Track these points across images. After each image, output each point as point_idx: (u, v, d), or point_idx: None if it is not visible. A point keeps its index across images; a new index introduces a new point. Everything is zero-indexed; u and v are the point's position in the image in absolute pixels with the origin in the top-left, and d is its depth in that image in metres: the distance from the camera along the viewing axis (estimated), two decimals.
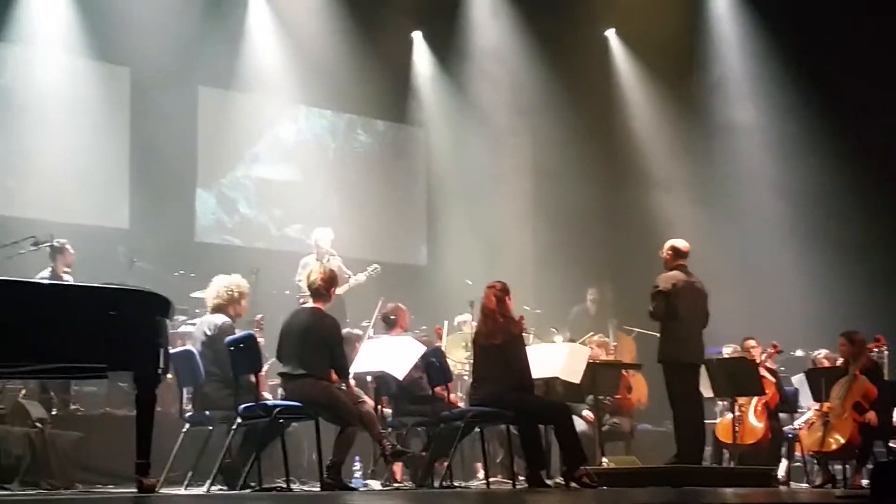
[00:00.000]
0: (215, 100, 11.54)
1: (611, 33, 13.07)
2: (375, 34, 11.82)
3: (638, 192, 12.56)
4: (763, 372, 8.59)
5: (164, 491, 6.15)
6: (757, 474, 7.98)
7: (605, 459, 8.20)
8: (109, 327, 5.33)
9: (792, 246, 11.53)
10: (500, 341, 7.05)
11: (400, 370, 7.41)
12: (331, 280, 7.02)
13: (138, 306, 5.50)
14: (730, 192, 12.17)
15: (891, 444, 8.36)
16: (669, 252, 8.09)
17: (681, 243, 8.13)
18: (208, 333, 6.97)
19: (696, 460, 7.88)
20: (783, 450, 8.84)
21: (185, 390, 7.03)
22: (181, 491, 6.63)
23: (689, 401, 7.91)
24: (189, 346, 7.15)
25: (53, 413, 7.65)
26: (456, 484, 7.42)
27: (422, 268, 12.59)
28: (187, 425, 6.94)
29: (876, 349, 8.56)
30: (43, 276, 8.24)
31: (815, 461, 8.54)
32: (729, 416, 8.53)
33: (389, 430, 7.47)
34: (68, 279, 8.23)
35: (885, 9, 10.81)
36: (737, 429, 8.38)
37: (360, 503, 5.44)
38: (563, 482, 7.02)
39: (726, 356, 9.27)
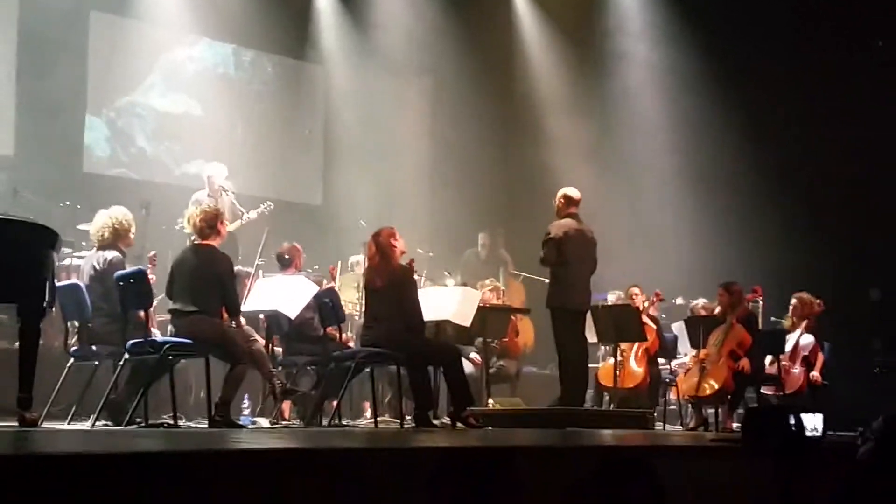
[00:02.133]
0: (108, 26, 11.15)
1: None
2: None
3: (533, 141, 12.70)
4: (645, 319, 8.89)
5: (46, 425, 6.06)
6: (636, 417, 8.28)
7: (491, 401, 8.39)
8: None
9: (677, 199, 11.85)
10: (380, 284, 7.13)
11: (292, 309, 7.42)
12: (212, 217, 6.91)
13: (23, 237, 5.38)
14: (622, 144, 12.41)
15: (762, 391, 8.77)
16: (562, 200, 8.26)
17: (573, 192, 8.31)
18: (98, 268, 6.84)
19: (578, 402, 8.14)
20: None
21: (70, 324, 6.90)
22: (64, 426, 6.54)
23: (574, 346, 8.14)
24: (76, 280, 7.01)
25: None
26: (344, 423, 7.52)
27: (317, 207, 12.52)
28: (72, 360, 6.83)
29: (752, 300, 8.92)
30: None
31: (690, 405, 8.90)
32: (611, 360, 8.81)
33: (280, 368, 7.50)
34: None
35: None
36: (618, 373, 8.68)
37: (249, 441, 5.45)
38: (449, 422, 7.17)
39: (611, 303, 9.56)
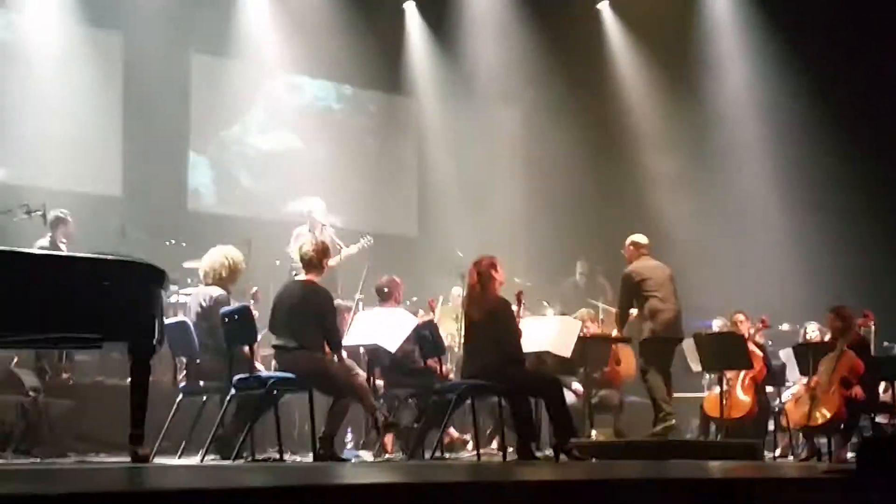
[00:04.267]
0: (208, 67, 11.50)
1: (604, 5, 13.05)
2: (368, 3, 11.77)
3: (629, 163, 12.60)
4: (751, 346, 8.68)
5: (157, 461, 6.19)
6: (743, 447, 8.06)
7: (594, 432, 8.28)
8: (104, 298, 5.36)
9: (780, 223, 11.60)
10: (478, 316, 7.10)
11: (393, 343, 7.46)
12: (323, 251, 7.04)
13: (133, 277, 5.52)
14: (720, 168, 12.20)
15: (876, 419, 8.45)
16: (631, 247, 8.52)
17: (641, 238, 8.57)
18: (204, 305, 6.99)
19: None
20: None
21: (178, 361, 7.05)
22: (175, 461, 6.67)
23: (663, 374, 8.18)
24: (183, 317, 7.18)
25: (46, 381, 7.68)
26: (447, 456, 7.50)
27: (413, 239, 12.61)
28: (181, 396, 6.97)
29: (864, 326, 8.63)
30: (42, 246, 8.27)
31: (801, 434, 8.63)
32: (717, 389, 8.62)
33: (381, 402, 7.53)
34: (64, 249, 8.25)
35: None
36: (724, 402, 8.48)
37: (352, 474, 5.48)
38: (552, 454, 7.09)
39: (715, 330, 9.36)
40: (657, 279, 8.32)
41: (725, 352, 8.46)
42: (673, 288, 8.35)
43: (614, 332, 8.91)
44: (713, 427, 8.86)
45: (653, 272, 8.36)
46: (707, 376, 9.27)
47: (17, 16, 10.29)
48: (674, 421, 8.20)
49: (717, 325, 9.60)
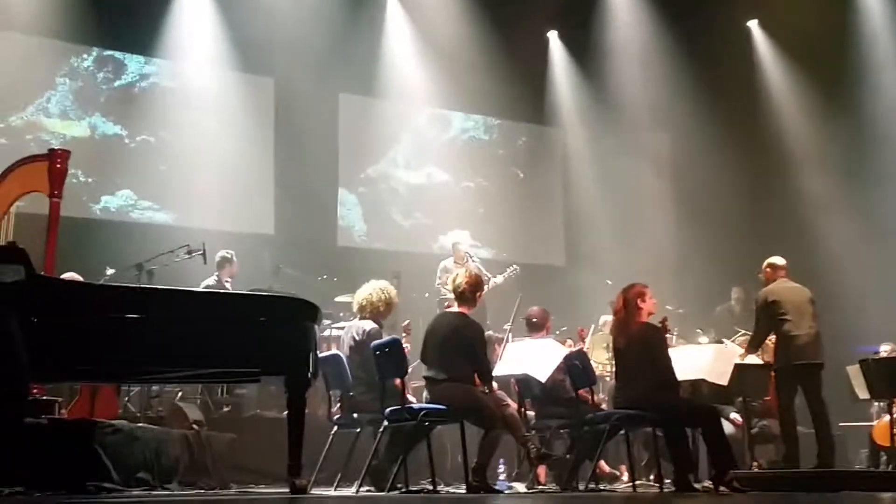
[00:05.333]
0: (356, 106, 11.81)
1: (753, 24, 12.74)
2: (511, 36, 11.86)
3: (784, 185, 12.19)
4: None
5: (314, 492, 6.31)
6: None
7: (755, 463, 7.99)
8: (262, 333, 5.53)
9: None
10: (625, 344, 6.96)
11: (543, 373, 7.40)
12: (477, 284, 7.04)
13: (288, 312, 5.67)
14: (884, 182, 11.63)
15: None
16: (768, 269, 8.25)
17: (778, 259, 8.30)
18: (357, 338, 7.11)
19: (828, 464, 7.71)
20: None
21: (332, 393, 7.19)
22: (331, 492, 6.78)
23: (814, 403, 7.83)
24: (337, 351, 7.31)
25: (209, 414, 7.95)
26: (601, 487, 7.37)
27: (560, 268, 12.54)
28: (336, 427, 7.09)
29: None
30: (208, 285, 8.63)
31: None
32: (886, 418, 8.20)
33: (533, 432, 7.47)
34: (229, 288, 8.59)
35: None
36: (895, 431, 8.05)
37: None
38: (711, 486, 6.87)
39: (883, 356, 8.92)
40: (791, 301, 7.98)
41: (895, 378, 8.04)
42: (811, 311, 7.98)
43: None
44: (884, 457, 8.42)
45: (786, 294, 8.02)
46: (876, 404, 8.83)
47: (180, 65, 10.83)
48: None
49: (884, 350, 9.14)
